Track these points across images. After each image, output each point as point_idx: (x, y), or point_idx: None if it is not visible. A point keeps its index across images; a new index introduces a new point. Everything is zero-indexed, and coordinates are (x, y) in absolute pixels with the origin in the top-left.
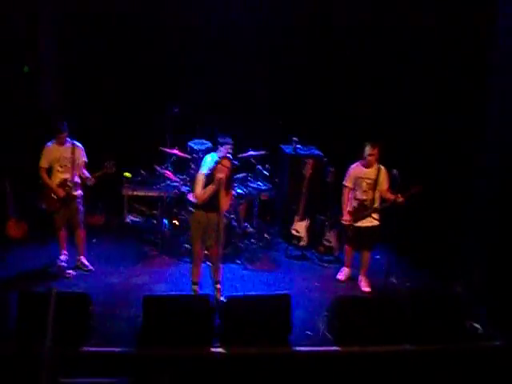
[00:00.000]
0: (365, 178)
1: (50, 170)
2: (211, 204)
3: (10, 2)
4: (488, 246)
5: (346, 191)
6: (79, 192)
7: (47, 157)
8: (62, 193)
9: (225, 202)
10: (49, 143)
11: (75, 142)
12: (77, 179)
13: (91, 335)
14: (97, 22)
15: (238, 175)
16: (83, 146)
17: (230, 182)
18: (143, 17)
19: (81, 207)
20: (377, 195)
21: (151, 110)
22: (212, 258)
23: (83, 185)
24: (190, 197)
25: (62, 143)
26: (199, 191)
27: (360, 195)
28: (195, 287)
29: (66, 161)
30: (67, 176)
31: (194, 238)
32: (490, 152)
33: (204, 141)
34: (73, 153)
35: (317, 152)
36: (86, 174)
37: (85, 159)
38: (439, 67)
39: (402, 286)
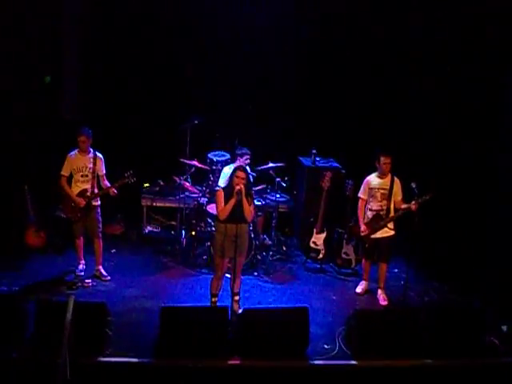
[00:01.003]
0: (379, 188)
1: (69, 179)
2: (234, 216)
3: (33, 13)
4: (510, 261)
5: (361, 203)
6: (98, 202)
7: (69, 165)
8: (82, 202)
9: (248, 213)
10: (71, 152)
11: (97, 153)
12: (96, 190)
13: (108, 345)
14: (120, 33)
15: (257, 187)
16: (102, 154)
17: (249, 192)
18: (167, 30)
19: (99, 217)
20: (391, 205)
21: (171, 121)
22: (234, 269)
23: (103, 195)
24: (209, 208)
25: (84, 151)
26: (221, 207)
27: (375, 206)
28: (214, 299)
29: (87, 170)
30: (87, 186)
31: (218, 251)
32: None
33: (224, 152)
34: (94, 163)
35: (335, 164)
36: (108, 184)
37: (104, 171)
38: (454, 76)
39: (420, 300)
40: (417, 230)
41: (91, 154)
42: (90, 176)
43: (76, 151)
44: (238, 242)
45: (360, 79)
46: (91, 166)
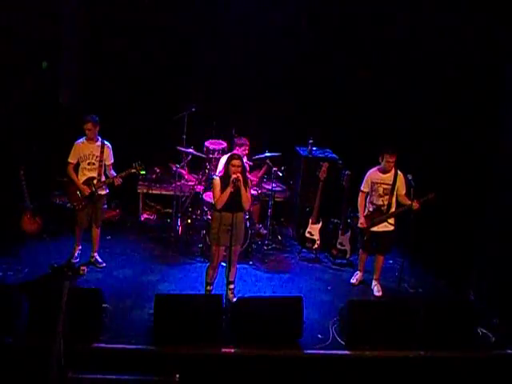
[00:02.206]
0: (382, 183)
1: (76, 167)
2: (231, 204)
3: (32, 1)
4: (502, 254)
5: (362, 196)
6: (106, 191)
7: (76, 153)
8: (87, 191)
9: (246, 201)
10: (79, 140)
11: (105, 141)
12: (103, 179)
13: (103, 331)
14: (119, 20)
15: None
16: None
17: (245, 181)
18: (162, 16)
19: (105, 207)
20: (393, 200)
21: (168, 109)
22: (230, 258)
23: (112, 185)
24: (205, 196)
25: (91, 139)
26: (217, 196)
27: (376, 200)
28: (209, 287)
29: (94, 158)
30: (94, 174)
31: (214, 239)
32: (505, 162)
33: (220, 141)
34: (102, 152)
35: (332, 155)
36: (113, 173)
37: (112, 160)
38: (455, 71)
39: (414, 292)
40: (412, 223)
41: (99, 143)
42: (96, 164)
43: (83, 139)
44: (234, 230)
45: (357, 69)
46: (98, 154)
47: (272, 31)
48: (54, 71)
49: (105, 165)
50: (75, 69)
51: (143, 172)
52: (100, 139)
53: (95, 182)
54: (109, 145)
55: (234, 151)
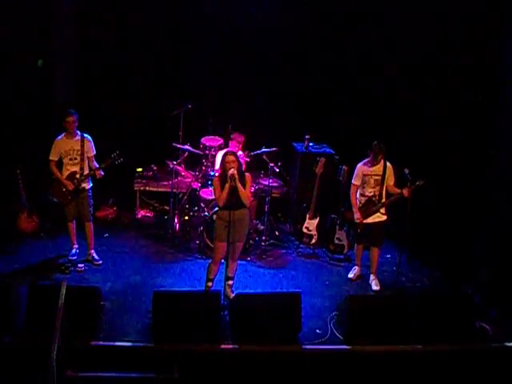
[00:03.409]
0: (372, 174)
1: (60, 163)
2: (231, 201)
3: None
4: (499, 247)
5: (354, 189)
6: (89, 185)
7: (57, 150)
8: (71, 186)
9: (245, 196)
10: (58, 136)
11: (84, 135)
12: (86, 172)
13: (101, 329)
14: (112, 16)
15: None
16: (95, 139)
17: (241, 177)
18: (157, 11)
19: (90, 200)
20: (383, 191)
21: (164, 106)
22: (231, 254)
23: (95, 178)
24: (202, 193)
25: (71, 133)
26: (217, 194)
27: (368, 192)
28: (209, 284)
29: (75, 153)
30: (76, 169)
31: (218, 236)
32: (504, 152)
33: (217, 137)
34: (82, 145)
35: (328, 150)
36: (96, 164)
37: (93, 151)
38: (452, 65)
39: (412, 286)
40: (409, 216)
41: (78, 137)
42: (78, 159)
43: (63, 135)
44: (235, 227)
45: (354, 65)
46: (79, 148)
47: (268, 27)
48: (50, 69)
49: (87, 157)
50: (70, 67)
51: (140, 169)
52: (79, 133)
53: (77, 176)
54: (89, 137)
55: (230, 147)
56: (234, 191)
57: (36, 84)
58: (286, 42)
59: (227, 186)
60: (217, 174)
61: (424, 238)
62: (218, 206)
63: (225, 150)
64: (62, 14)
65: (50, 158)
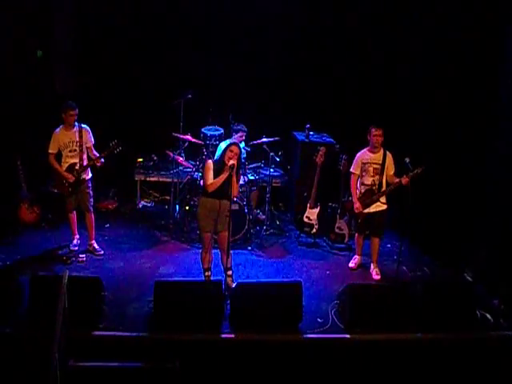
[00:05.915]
0: (372, 163)
1: (58, 155)
2: (221, 191)
3: None
4: (500, 235)
5: (354, 178)
6: (89, 175)
7: (56, 142)
8: (71, 177)
9: (235, 190)
10: (57, 129)
11: (82, 125)
12: (86, 162)
13: (102, 319)
14: (113, 6)
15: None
16: (95, 129)
17: (238, 170)
18: (159, 1)
19: (90, 191)
20: (383, 180)
21: (165, 96)
22: (221, 244)
23: (95, 168)
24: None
25: (70, 125)
26: (209, 179)
27: (367, 180)
28: (208, 273)
29: (74, 145)
30: (76, 160)
31: (203, 225)
32: (504, 139)
33: (217, 127)
34: (80, 136)
35: (329, 139)
36: (96, 154)
37: (92, 141)
38: (453, 50)
39: (413, 275)
40: (410, 205)
41: (76, 128)
42: (77, 150)
43: (61, 127)
44: (220, 217)
45: (354, 54)
46: (77, 139)
47: (269, 17)
48: (49, 59)
49: (87, 147)
50: (70, 56)
51: (140, 159)
52: (77, 124)
53: (77, 167)
54: (87, 127)
55: (233, 137)
56: (226, 181)
57: (36, 73)
58: (286, 31)
59: (224, 175)
60: (212, 160)
61: (424, 227)
62: (204, 192)
63: (230, 140)
64: (63, 3)
65: (50, 151)
